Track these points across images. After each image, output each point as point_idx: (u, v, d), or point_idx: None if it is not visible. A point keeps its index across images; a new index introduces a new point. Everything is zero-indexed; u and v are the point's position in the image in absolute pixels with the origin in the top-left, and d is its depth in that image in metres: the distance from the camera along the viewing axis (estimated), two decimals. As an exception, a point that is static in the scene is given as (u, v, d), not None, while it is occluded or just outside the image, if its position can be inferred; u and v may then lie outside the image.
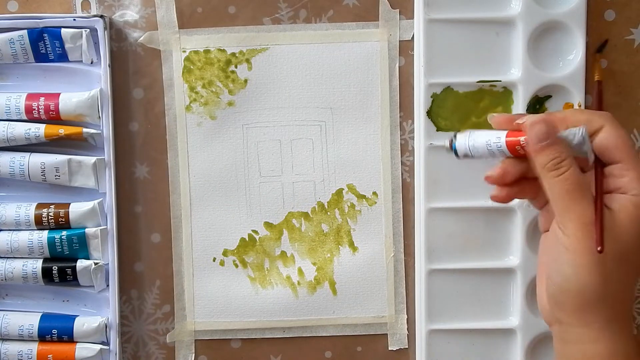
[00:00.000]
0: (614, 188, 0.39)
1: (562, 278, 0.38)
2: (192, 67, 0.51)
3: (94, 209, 0.50)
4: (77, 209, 0.50)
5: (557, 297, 0.39)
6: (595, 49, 0.50)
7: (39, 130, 0.49)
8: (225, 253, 0.52)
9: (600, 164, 0.40)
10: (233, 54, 0.51)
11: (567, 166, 0.38)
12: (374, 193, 0.52)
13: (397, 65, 0.52)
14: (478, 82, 0.50)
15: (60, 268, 0.50)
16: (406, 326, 0.53)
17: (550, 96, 0.51)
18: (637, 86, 0.52)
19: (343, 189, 0.52)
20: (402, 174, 0.52)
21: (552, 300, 0.40)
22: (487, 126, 0.51)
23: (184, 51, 0.51)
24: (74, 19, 0.49)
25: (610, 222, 0.37)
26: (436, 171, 0.51)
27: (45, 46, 0.50)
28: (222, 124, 0.52)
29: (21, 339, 0.50)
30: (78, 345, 0.50)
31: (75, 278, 0.50)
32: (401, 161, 0.52)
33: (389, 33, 0.51)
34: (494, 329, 0.52)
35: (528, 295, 0.51)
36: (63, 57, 0.50)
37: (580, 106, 0.50)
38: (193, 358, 0.53)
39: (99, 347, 0.50)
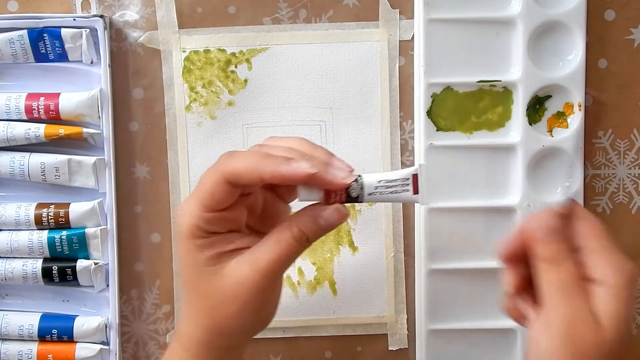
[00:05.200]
0: (586, 275, 0.36)
1: None
2: (192, 67, 0.51)
3: (94, 209, 0.50)
4: (77, 209, 0.50)
5: None
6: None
7: (39, 130, 0.49)
8: (225, 253, 0.52)
9: None
10: (233, 54, 0.51)
11: (562, 258, 0.36)
12: (374, 193, 0.52)
13: (397, 65, 0.52)
14: (478, 82, 0.50)
15: (60, 268, 0.50)
16: (406, 326, 0.53)
17: (550, 96, 0.51)
18: (637, 86, 0.52)
19: (343, 189, 0.52)
20: (402, 174, 0.52)
21: None
22: (487, 126, 0.51)
23: (184, 51, 0.51)
24: (74, 19, 0.49)
25: (592, 326, 0.34)
26: (436, 171, 0.51)
27: (45, 46, 0.50)
28: (222, 124, 0.52)
29: (21, 339, 0.50)
30: (78, 345, 0.50)
31: (75, 278, 0.50)
32: (401, 161, 0.52)
33: (389, 33, 0.51)
34: (494, 329, 0.52)
35: (528, 295, 0.51)
36: (63, 57, 0.50)
37: (580, 106, 0.50)
38: (193, 358, 0.53)
39: (99, 347, 0.50)
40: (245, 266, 0.37)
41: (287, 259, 0.37)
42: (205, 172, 0.38)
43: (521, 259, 0.38)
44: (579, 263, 0.36)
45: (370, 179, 0.37)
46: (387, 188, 0.37)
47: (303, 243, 0.37)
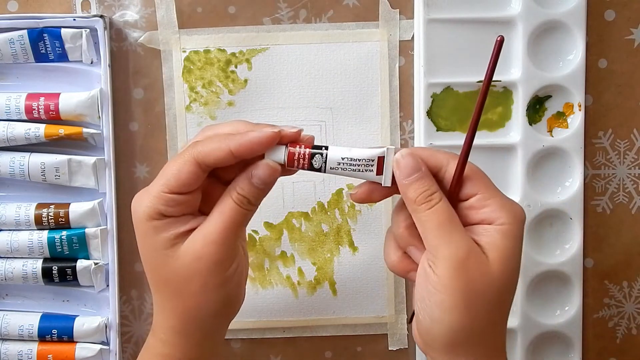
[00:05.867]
0: (478, 220, 0.37)
1: (430, 320, 0.36)
2: (192, 67, 0.51)
3: (94, 209, 0.50)
4: (77, 209, 0.50)
5: (425, 338, 0.37)
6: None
7: (39, 130, 0.49)
8: (225, 253, 0.52)
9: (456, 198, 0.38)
10: (233, 54, 0.51)
11: (438, 198, 0.36)
12: (374, 193, 0.52)
13: (397, 65, 0.52)
14: (478, 82, 0.50)
15: (60, 268, 0.50)
16: (406, 326, 0.53)
17: (550, 96, 0.51)
18: (637, 86, 0.52)
19: (343, 189, 0.52)
20: (402, 174, 0.52)
21: (420, 340, 0.38)
22: (486, 126, 0.51)
23: (184, 51, 0.51)
24: (74, 19, 0.49)
25: (482, 261, 0.36)
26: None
27: (45, 46, 0.50)
28: (222, 124, 0.52)
29: (21, 339, 0.50)
30: (78, 345, 0.50)
31: (75, 278, 0.50)
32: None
33: (389, 33, 0.51)
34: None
35: (528, 295, 0.51)
36: (63, 57, 0.50)
37: (580, 106, 0.50)
38: (193, 358, 0.53)
39: (99, 347, 0.50)
40: (199, 241, 0.37)
41: (235, 225, 0.38)
42: (169, 161, 0.38)
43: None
44: (471, 207, 0.37)
45: (334, 154, 0.38)
46: (350, 166, 0.38)
47: (246, 205, 0.38)
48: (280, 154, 0.38)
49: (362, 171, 0.38)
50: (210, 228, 0.37)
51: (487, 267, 0.36)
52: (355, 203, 0.52)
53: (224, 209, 0.38)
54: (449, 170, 0.38)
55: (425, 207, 0.36)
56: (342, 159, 0.38)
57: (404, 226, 0.39)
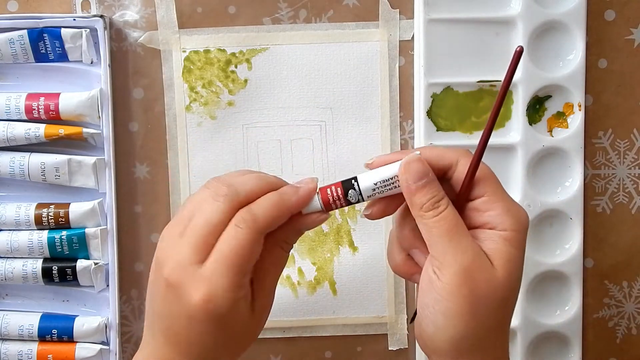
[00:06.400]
0: (481, 223, 0.37)
1: (435, 328, 0.35)
2: (192, 67, 0.51)
3: (94, 209, 0.50)
4: (77, 209, 0.50)
5: (429, 344, 0.37)
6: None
7: (39, 130, 0.49)
8: (225, 253, 0.52)
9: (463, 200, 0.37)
10: (233, 54, 0.51)
11: (445, 205, 0.36)
12: (374, 193, 0.52)
13: (397, 65, 0.52)
14: (478, 82, 0.50)
15: (60, 268, 0.50)
16: (406, 326, 0.53)
17: (550, 96, 0.51)
18: (637, 86, 0.52)
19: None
20: (402, 174, 0.52)
21: (424, 346, 0.38)
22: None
23: (184, 51, 0.51)
24: (74, 19, 0.49)
25: (487, 268, 0.35)
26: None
27: (45, 46, 0.50)
28: (222, 124, 0.52)
29: (21, 339, 0.50)
30: (78, 345, 0.50)
31: (75, 278, 0.50)
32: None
33: (389, 33, 0.51)
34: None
35: (528, 295, 0.51)
36: (63, 57, 0.50)
37: (580, 106, 0.50)
38: (193, 358, 0.53)
39: (99, 347, 0.50)
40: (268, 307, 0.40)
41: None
42: (210, 225, 0.35)
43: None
44: (476, 209, 0.37)
45: (365, 183, 0.37)
46: (384, 187, 0.37)
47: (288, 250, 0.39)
48: (316, 203, 0.37)
49: (396, 187, 0.37)
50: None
51: (492, 274, 0.35)
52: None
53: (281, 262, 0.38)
54: (459, 169, 0.37)
55: (431, 214, 0.36)
56: (375, 184, 0.37)
57: (408, 228, 0.38)
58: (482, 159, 0.37)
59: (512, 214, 0.36)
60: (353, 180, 0.37)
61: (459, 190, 0.37)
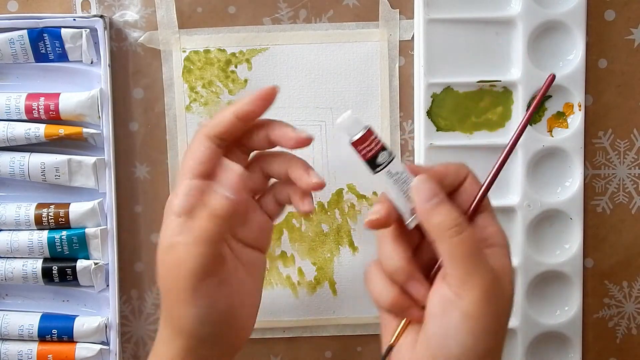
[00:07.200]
0: (479, 239, 0.36)
1: (463, 348, 0.35)
2: (192, 67, 0.51)
3: (94, 209, 0.50)
4: (77, 209, 0.50)
5: None
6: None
7: (39, 130, 0.49)
8: (225, 253, 0.52)
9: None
10: (233, 54, 0.51)
11: (465, 225, 0.35)
12: (374, 193, 0.52)
13: (397, 65, 0.52)
14: (478, 82, 0.50)
15: (60, 268, 0.50)
16: (406, 326, 0.53)
17: (550, 96, 0.51)
18: (637, 86, 0.52)
19: (343, 189, 0.52)
20: (402, 174, 0.52)
21: None
22: (487, 126, 0.51)
23: (184, 51, 0.51)
24: (74, 19, 0.49)
25: (501, 284, 0.35)
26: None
27: (45, 46, 0.50)
28: (222, 124, 0.52)
29: (21, 339, 0.50)
30: (78, 345, 0.50)
31: (75, 278, 0.50)
32: (401, 161, 0.52)
33: (389, 33, 0.51)
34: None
35: (528, 295, 0.51)
36: (63, 57, 0.50)
37: (580, 106, 0.50)
38: (193, 358, 0.53)
39: (99, 347, 0.50)
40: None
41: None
42: (185, 152, 0.39)
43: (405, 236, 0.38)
44: (476, 226, 0.37)
45: (399, 163, 0.37)
46: (403, 182, 0.37)
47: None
48: (359, 128, 0.37)
49: (407, 190, 0.37)
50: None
51: (504, 289, 0.36)
52: (355, 203, 0.52)
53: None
54: (466, 187, 0.38)
55: (453, 233, 0.35)
56: (401, 172, 0.37)
57: (405, 258, 0.37)
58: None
59: (502, 230, 0.37)
60: (393, 152, 0.37)
61: (467, 212, 0.37)
